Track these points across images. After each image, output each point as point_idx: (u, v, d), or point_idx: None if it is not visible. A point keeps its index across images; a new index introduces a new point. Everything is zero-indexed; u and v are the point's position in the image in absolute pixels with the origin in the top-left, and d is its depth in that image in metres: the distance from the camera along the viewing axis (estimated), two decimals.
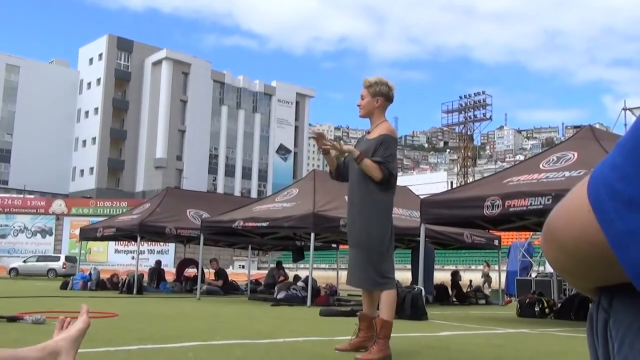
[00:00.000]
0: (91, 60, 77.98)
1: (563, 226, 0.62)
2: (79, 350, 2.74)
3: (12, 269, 34.47)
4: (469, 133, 74.70)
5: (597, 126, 12.17)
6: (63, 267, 31.60)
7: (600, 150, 8.47)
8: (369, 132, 4.69)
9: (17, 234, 45.76)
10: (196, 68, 77.20)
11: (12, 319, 5.96)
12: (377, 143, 4.45)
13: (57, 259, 33.60)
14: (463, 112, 73.99)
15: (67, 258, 33.20)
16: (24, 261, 33.60)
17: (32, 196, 53.78)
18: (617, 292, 0.62)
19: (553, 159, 9.13)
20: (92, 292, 16.60)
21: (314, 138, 4.56)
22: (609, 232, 0.56)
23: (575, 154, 8.87)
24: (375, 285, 4.34)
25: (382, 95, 4.59)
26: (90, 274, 18.71)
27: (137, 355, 3.87)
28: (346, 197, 12.59)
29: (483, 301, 16.46)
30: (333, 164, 4.68)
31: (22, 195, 53.45)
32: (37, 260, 33.45)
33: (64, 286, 17.90)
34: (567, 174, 8.37)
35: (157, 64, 75.95)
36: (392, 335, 4.19)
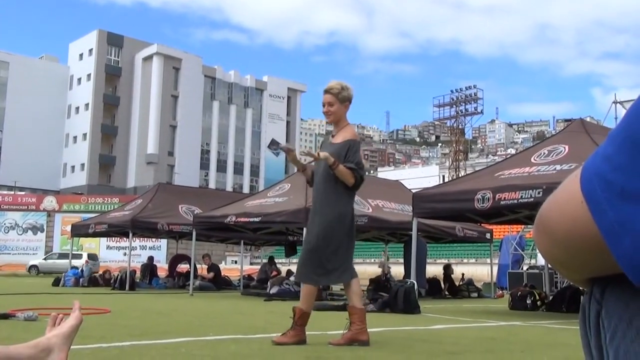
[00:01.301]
0: (81, 55, 77.59)
1: (556, 218, 0.62)
2: (71, 347, 2.73)
3: (31, 266, 34.23)
4: (460, 127, 74.90)
5: (588, 119, 12.21)
6: (86, 264, 31.04)
7: (591, 143, 8.51)
8: (333, 136, 4.87)
9: (8, 230, 45.55)
10: (187, 63, 76.96)
11: (4, 316, 5.94)
12: (345, 148, 4.66)
13: (80, 256, 33.36)
14: (454, 106, 74.16)
15: (89, 256, 32.93)
16: (44, 258, 33.35)
17: (23, 193, 53.53)
18: (610, 283, 0.62)
19: (544, 152, 9.17)
20: (84, 288, 16.57)
21: (283, 150, 4.83)
22: (602, 223, 0.56)
23: (566, 147, 8.91)
24: (310, 281, 4.66)
25: (348, 100, 4.80)
26: (82, 270, 18.66)
27: (130, 351, 3.86)
28: None
29: (475, 294, 16.52)
30: (308, 174, 4.91)
31: (12, 192, 53.19)
32: (58, 258, 33.17)
33: (56, 283, 17.86)
34: (558, 167, 8.41)
35: (147, 59, 75.66)
36: (385, 328, 4.23)
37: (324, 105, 4.79)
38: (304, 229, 11.71)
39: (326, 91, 4.76)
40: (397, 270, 18.10)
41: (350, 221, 4.70)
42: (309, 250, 4.66)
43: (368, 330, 4.59)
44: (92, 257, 32.36)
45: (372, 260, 39.24)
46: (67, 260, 24.75)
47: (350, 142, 4.71)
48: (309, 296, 4.71)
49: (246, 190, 72.07)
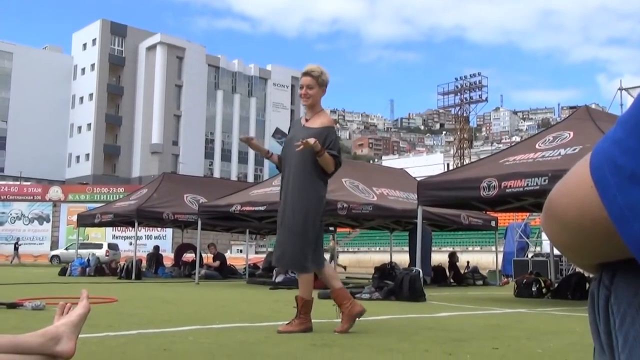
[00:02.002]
0: (85, 45, 77.51)
1: (565, 204, 0.62)
2: (79, 335, 2.75)
3: (53, 256, 34.34)
4: (465, 115, 74.67)
5: (594, 106, 12.15)
6: (106, 255, 31.12)
7: (596, 130, 8.47)
8: (307, 120, 4.84)
9: (15, 221, 45.74)
10: (190, 52, 76.83)
11: (12, 306, 5.97)
12: (323, 134, 4.67)
13: (100, 246, 33.34)
14: (459, 93, 73.91)
15: (110, 245, 32.92)
16: (66, 248, 33.48)
17: (29, 183, 53.72)
18: (619, 269, 0.62)
19: (549, 139, 9.14)
20: (90, 277, 16.64)
21: (242, 141, 4.88)
22: (612, 207, 0.55)
23: (571, 133, 8.88)
24: (300, 269, 4.67)
25: (325, 85, 4.82)
26: (88, 259, 18.74)
27: (137, 339, 3.89)
28: (343, 180, 12.48)
29: (480, 282, 16.53)
30: (275, 160, 4.97)
31: (18, 183, 53.36)
32: (79, 248, 33.21)
33: (63, 272, 17.94)
34: (562, 151, 8.38)
35: (151, 48, 75.55)
36: (390, 316, 4.24)
37: (302, 88, 4.79)
38: None
39: (306, 73, 4.74)
40: (403, 259, 18.09)
41: (324, 207, 4.81)
42: (295, 237, 4.58)
43: (374, 318, 4.62)
44: (113, 247, 32.31)
45: (378, 249, 39.30)
46: (88, 250, 24.90)
47: (329, 129, 4.76)
48: (309, 284, 4.70)
49: (251, 179, 72.13)
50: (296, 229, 4.59)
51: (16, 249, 35.71)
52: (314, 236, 4.66)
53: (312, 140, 4.48)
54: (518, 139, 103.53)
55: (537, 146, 9.13)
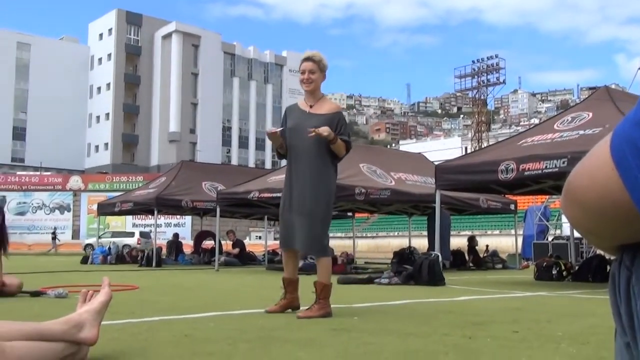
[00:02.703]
0: (101, 35, 77.85)
1: (585, 186, 0.61)
2: (102, 322, 2.78)
3: (87, 244, 34.86)
4: (482, 98, 74.11)
5: (613, 87, 11.98)
6: (138, 243, 31.13)
7: (615, 111, 8.36)
8: (311, 106, 4.81)
9: (36, 210, 46.28)
10: (206, 40, 76.89)
11: (36, 294, 6.06)
12: (335, 119, 4.70)
13: (132, 234, 33.56)
14: (476, 76, 73.33)
15: (142, 234, 33.13)
16: (99, 237, 33.79)
17: (49, 173, 54.28)
18: None
19: (567, 119, 9.05)
20: (112, 265, 16.83)
21: (271, 136, 4.78)
22: (634, 190, 0.55)
23: (590, 114, 8.77)
24: (318, 252, 4.68)
25: (325, 70, 4.84)
26: (109, 248, 18.94)
27: (159, 326, 3.93)
28: (361, 166, 12.48)
29: (500, 266, 16.49)
30: (283, 147, 4.86)
31: (38, 173, 53.96)
32: (112, 236, 33.55)
33: (84, 261, 18.16)
34: (581, 132, 8.29)
35: (167, 37, 75.71)
36: (410, 300, 4.25)
37: (303, 73, 4.76)
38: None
39: (307, 59, 4.75)
40: (421, 243, 18.09)
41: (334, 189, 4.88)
42: (318, 222, 4.62)
43: (393, 302, 4.62)
44: (145, 235, 32.48)
45: (396, 234, 39.28)
46: (121, 239, 25.21)
47: (340, 115, 4.81)
48: (328, 268, 4.72)
49: (268, 166, 72.24)
50: (318, 214, 4.61)
51: (54, 238, 36.26)
52: (329, 220, 4.75)
53: (325, 131, 4.48)
54: (537, 121, 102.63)
55: (555, 127, 9.04)
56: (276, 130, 4.75)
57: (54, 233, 37.73)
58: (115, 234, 33.01)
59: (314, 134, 4.47)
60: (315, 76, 4.74)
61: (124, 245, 19.98)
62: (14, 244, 8.89)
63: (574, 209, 0.64)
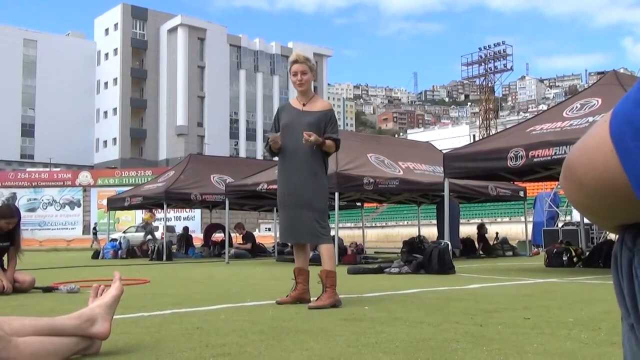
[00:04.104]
0: (107, 30, 77.90)
1: (584, 165, 0.60)
2: (114, 317, 2.80)
3: (112, 239, 34.93)
4: (490, 85, 73.78)
5: (622, 71, 11.88)
6: (162, 237, 31.13)
7: None
8: (304, 104, 5.01)
9: (46, 207, 46.54)
10: (212, 33, 76.82)
11: (48, 290, 6.11)
12: (326, 117, 4.95)
13: (157, 228, 33.67)
14: (483, 63, 73.02)
15: (168, 228, 33.16)
16: (124, 232, 33.88)
17: (58, 169, 54.53)
18: None
19: (577, 106, 8.99)
20: (122, 260, 16.90)
21: (273, 141, 4.93)
22: (632, 171, 0.54)
23: (600, 100, 8.72)
24: (320, 240, 4.88)
25: (314, 70, 5.08)
26: (120, 242, 19.02)
27: (171, 318, 3.95)
28: (369, 156, 12.45)
29: (510, 253, 16.46)
30: (279, 146, 5.01)
31: (48, 169, 54.19)
32: (137, 231, 33.59)
33: (96, 256, 18.25)
34: (591, 119, 8.24)
35: (172, 31, 75.69)
36: (420, 289, 4.25)
37: (295, 74, 4.95)
38: (336, 194, 11.76)
39: (296, 61, 4.94)
40: (431, 232, 18.07)
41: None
42: (318, 214, 4.85)
43: (403, 291, 4.64)
44: (170, 230, 32.54)
45: (405, 223, 39.25)
46: (143, 233, 25.12)
47: (331, 112, 5.02)
48: (332, 255, 4.91)
49: (276, 158, 72.16)
50: (318, 206, 4.86)
51: (95, 233, 36.50)
52: (327, 210, 5.09)
53: (312, 138, 4.69)
54: (545, 107, 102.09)
55: (564, 114, 8.99)
56: (276, 136, 4.94)
57: (95, 228, 38.06)
58: (139, 229, 33.05)
59: (305, 142, 4.71)
60: (307, 77, 4.95)
61: (148, 239, 19.97)
62: (25, 241, 8.97)
63: (573, 188, 0.64)
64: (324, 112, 4.97)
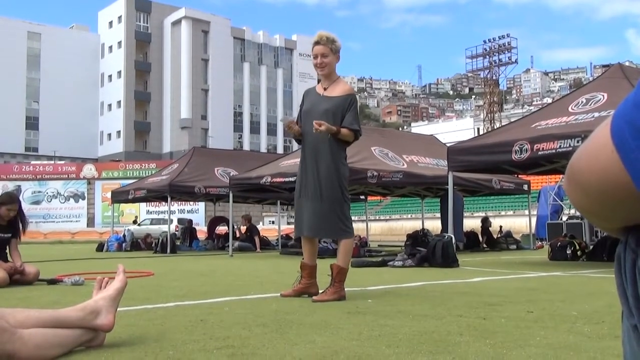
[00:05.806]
0: (111, 23, 77.89)
1: (586, 168, 0.61)
2: (118, 309, 2.81)
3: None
4: (494, 78, 73.55)
5: (627, 64, 11.81)
6: (176, 230, 31.18)
7: (630, 89, 8.26)
8: (325, 88, 4.78)
9: (51, 199, 46.69)
10: (215, 26, 76.73)
11: (52, 282, 6.13)
12: (346, 102, 4.68)
13: (170, 221, 33.71)
14: (488, 56, 72.76)
15: (180, 220, 33.21)
16: (138, 224, 34.01)
17: (63, 162, 54.65)
18: None
19: (582, 101, 8.96)
20: (127, 253, 16.94)
21: (287, 126, 4.80)
22: (634, 171, 0.54)
23: (605, 95, 8.68)
24: (342, 235, 4.68)
25: (338, 51, 4.76)
26: (124, 235, 19.06)
27: (174, 311, 3.96)
28: (373, 149, 12.45)
29: (514, 246, 16.45)
30: (300, 134, 4.83)
31: (52, 162, 54.31)
32: (151, 223, 33.63)
33: (100, 248, 18.30)
34: (596, 114, 8.21)
35: (176, 23, 75.64)
36: (424, 282, 4.26)
37: (316, 57, 4.69)
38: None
39: (318, 42, 4.66)
40: (435, 225, 18.04)
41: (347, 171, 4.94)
42: (338, 206, 4.63)
43: (407, 284, 4.63)
44: (183, 222, 32.56)
45: (409, 216, 39.24)
46: (158, 226, 25.15)
47: (352, 97, 4.73)
48: (350, 251, 4.75)
49: (280, 150, 72.31)
50: (338, 198, 4.63)
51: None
52: (349, 202, 4.77)
53: (323, 127, 4.46)
54: (550, 100, 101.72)
55: (570, 109, 8.96)
56: (290, 120, 4.76)
57: (134, 222, 38.38)
58: (154, 221, 33.18)
59: (315, 132, 4.50)
60: (328, 59, 4.67)
61: (162, 233, 20.02)
62: (30, 233, 8.98)
63: (576, 191, 0.64)
64: (344, 97, 4.69)
